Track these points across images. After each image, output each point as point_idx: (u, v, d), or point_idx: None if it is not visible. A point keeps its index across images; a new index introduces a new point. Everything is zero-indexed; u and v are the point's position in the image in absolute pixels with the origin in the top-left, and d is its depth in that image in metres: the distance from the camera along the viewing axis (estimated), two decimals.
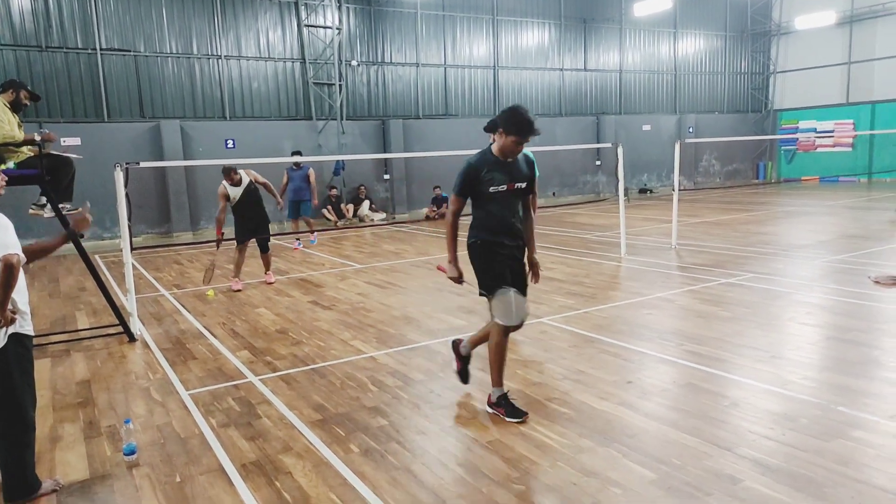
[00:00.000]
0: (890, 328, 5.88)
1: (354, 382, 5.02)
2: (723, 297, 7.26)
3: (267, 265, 9.39)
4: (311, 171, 12.54)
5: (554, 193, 21.58)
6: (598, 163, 22.40)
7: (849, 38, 24.24)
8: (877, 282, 7.52)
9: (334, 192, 17.21)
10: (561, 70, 21.91)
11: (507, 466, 3.57)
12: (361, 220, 17.53)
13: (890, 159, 22.65)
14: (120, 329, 6.60)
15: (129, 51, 15.27)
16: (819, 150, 25.33)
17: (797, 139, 25.71)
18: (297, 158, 11.99)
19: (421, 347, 5.87)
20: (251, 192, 8.78)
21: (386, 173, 18.45)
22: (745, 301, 7.08)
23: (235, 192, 8.70)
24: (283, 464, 3.72)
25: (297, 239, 12.92)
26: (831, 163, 24.61)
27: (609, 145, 11.61)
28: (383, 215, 18.17)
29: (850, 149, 24.43)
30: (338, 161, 17.20)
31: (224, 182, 8.68)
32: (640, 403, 4.38)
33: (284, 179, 12.38)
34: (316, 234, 13.24)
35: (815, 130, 25.23)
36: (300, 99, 17.55)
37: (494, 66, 20.54)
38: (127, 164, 6.56)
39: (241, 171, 8.83)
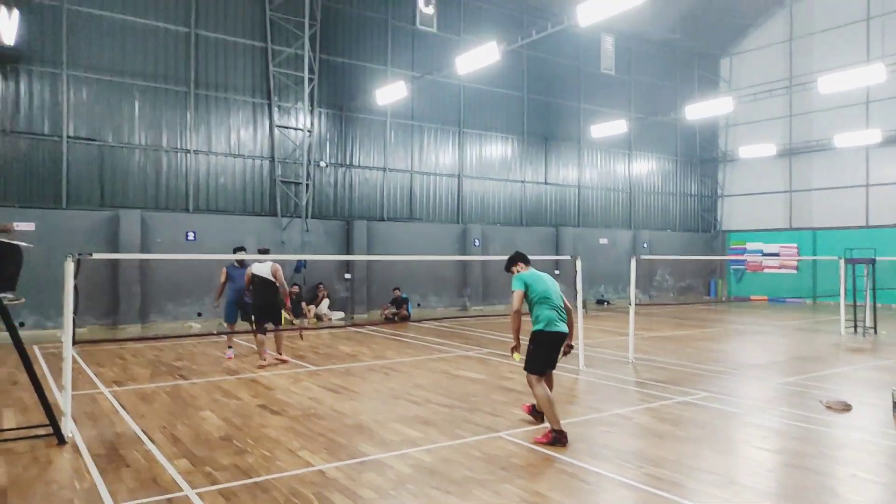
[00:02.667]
0: (842, 455, 5.89)
1: (299, 500, 4.71)
2: (679, 417, 7.22)
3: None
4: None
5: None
6: (556, 272, 22.83)
7: (789, 168, 26.06)
8: (828, 407, 7.61)
9: (295, 289, 16.99)
10: (523, 182, 22.78)
11: None
12: (319, 318, 17.25)
13: (832, 283, 23.71)
14: (49, 430, 6.14)
15: (96, 140, 15.32)
16: (766, 271, 26.45)
17: (745, 260, 26.87)
18: (240, 256, 10.48)
19: (373, 461, 5.60)
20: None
21: (347, 273, 18.41)
22: (701, 421, 7.05)
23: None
24: None
25: (230, 346, 11.08)
26: (778, 283, 25.65)
27: (568, 257, 11.89)
28: (342, 315, 17.93)
29: (795, 271, 25.59)
30: (300, 259, 17.13)
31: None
32: None
33: (223, 278, 10.75)
34: (233, 349, 11.09)
35: (761, 252, 26.46)
36: (266, 196, 17.70)
37: (459, 175, 21.25)
38: (79, 255, 6.38)
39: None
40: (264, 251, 10.90)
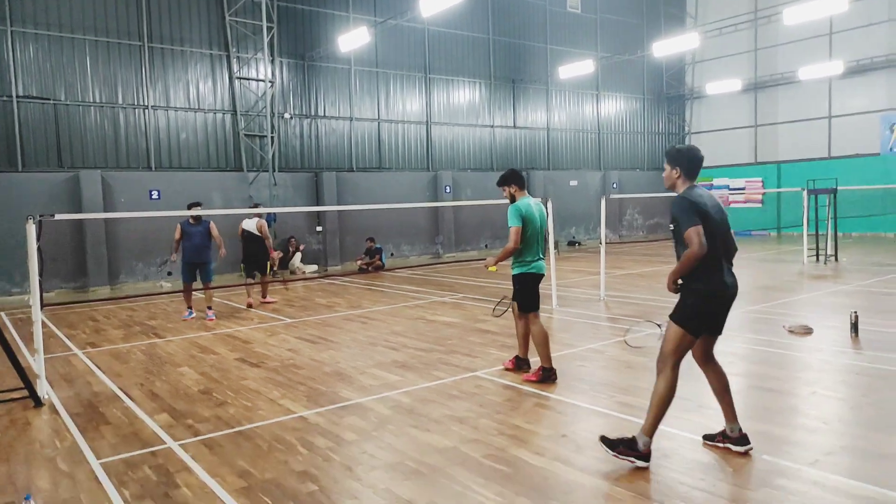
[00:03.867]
0: (805, 376, 6.17)
1: (283, 445, 4.80)
2: (650, 348, 7.43)
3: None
4: (213, 225, 10.44)
5: (486, 246, 21.90)
6: None
7: (754, 103, 26.25)
8: (791, 331, 7.92)
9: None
10: (492, 127, 22.61)
11: None
12: (292, 272, 17.19)
13: (796, 214, 24.30)
14: (25, 393, 6.11)
15: (49, 99, 14.72)
16: (732, 205, 26.92)
17: None
18: (195, 211, 10.00)
19: (353, 405, 5.70)
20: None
21: (319, 225, 18.27)
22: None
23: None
24: None
25: (190, 308, 10.68)
26: (744, 217, 26.17)
27: (538, 199, 11.93)
28: (315, 267, 17.88)
29: (760, 205, 26.11)
30: (269, 213, 16.91)
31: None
32: (574, 458, 4.37)
33: (177, 234, 10.30)
34: (213, 309, 10.65)
35: (727, 188, 26.87)
36: (231, 150, 17.31)
37: (427, 122, 20.98)
38: (41, 216, 6.22)
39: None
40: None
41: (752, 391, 5.79)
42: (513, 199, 6.23)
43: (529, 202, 6.23)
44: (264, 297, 12.07)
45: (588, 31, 25.18)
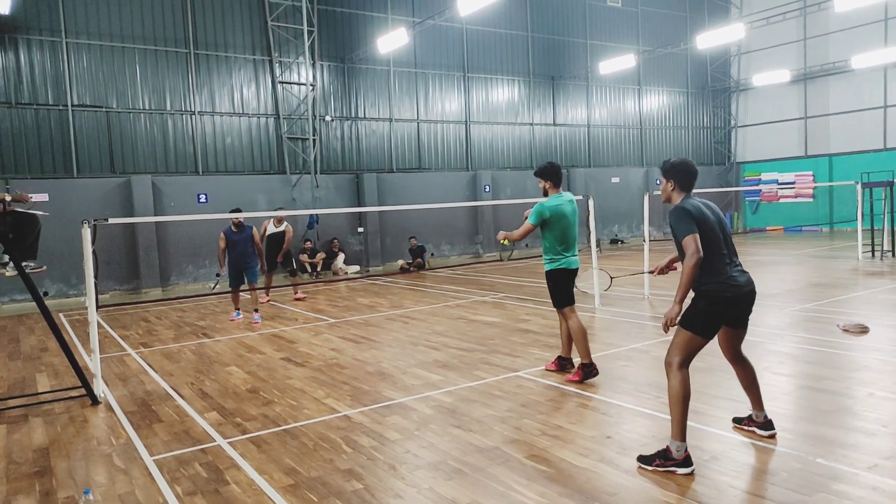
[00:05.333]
0: (860, 376, 5.94)
1: (328, 443, 4.87)
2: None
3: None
4: (255, 231, 10.78)
5: (527, 245, 21.77)
6: None
7: (804, 95, 25.40)
8: (845, 330, 7.64)
9: (309, 244, 17.12)
10: (531, 125, 22.46)
11: None
12: (335, 273, 17.42)
13: (849, 209, 23.42)
14: (83, 391, 6.35)
15: (101, 107, 15.27)
16: (782, 201, 26.13)
17: (760, 191, 26.52)
18: (237, 215, 9.83)
19: (396, 405, 5.74)
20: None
21: (360, 226, 18.47)
22: (718, 351, 7.08)
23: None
24: None
25: (237, 309, 10.94)
26: (794, 213, 25.37)
27: (580, 197, 11.78)
28: (357, 268, 18.09)
29: (811, 199, 25.25)
30: (312, 215, 17.20)
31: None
32: (619, 459, 4.31)
33: (223, 244, 10.46)
34: (259, 313, 10.64)
35: (776, 182, 26.07)
36: (274, 153, 17.64)
37: (466, 121, 20.98)
38: (95, 220, 6.45)
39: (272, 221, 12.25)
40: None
41: (806, 392, 5.61)
42: (545, 194, 6.23)
43: (559, 200, 6.13)
44: (296, 291, 13.01)
45: (629, 24, 24.77)
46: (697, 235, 4.00)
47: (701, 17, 26.43)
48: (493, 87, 21.58)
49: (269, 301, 12.63)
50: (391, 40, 17.01)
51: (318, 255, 17.08)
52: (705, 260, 4.00)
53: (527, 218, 6.17)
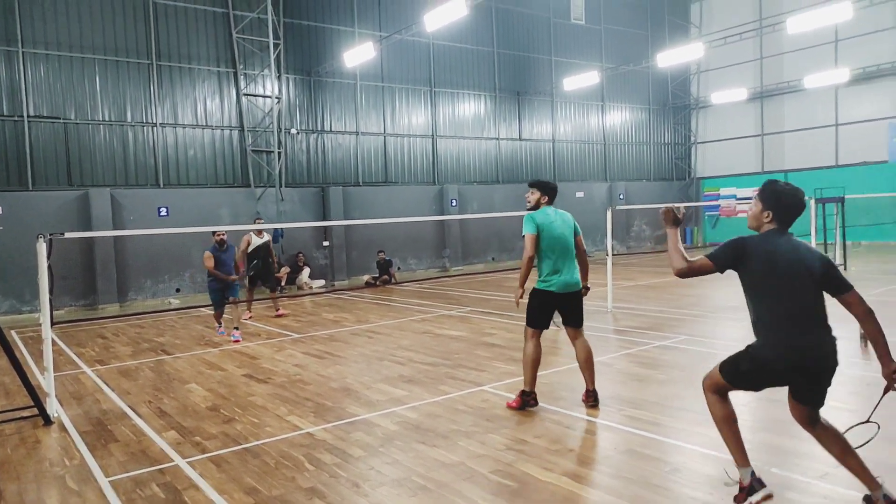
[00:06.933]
0: None
1: (290, 461, 4.79)
2: (658, 360, 7.41)
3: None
4: (236, 248, 10.88)
5: (493, 259, 21.90)
6: None
7: (760, 112, 26.22)
8: None
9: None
10: (497, 139, 22.68)
11: None
12: (300, 288, 17.24)
13: (803, 224, 24.18)
14: (35, 411, 6.13)
15: (59, 118, 14.90)
16: (740, 215, 26.82)
17: (720, 206, 27.21)
18: (219, 228, 10.11)
19: (360, 421, 5.69)
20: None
21: (325, 240, 18.33)
22: (680, 364, 7.24)
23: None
24: None
25: (220, 323, 10.58)
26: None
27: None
28: (322, 283, 17.93)
29: None
30: (277, 229, 17.01)
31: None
32: (583, 472, 4.34)
33: (212, 263, 10.04)
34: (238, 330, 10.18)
35: (735, 197, 26.78)
36: (238, 166, 17.43)
37: (433, 135, 21.08)
38: (51, 234, 6.28)
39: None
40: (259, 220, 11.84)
41: (764, 403, 5.74)
42: (535, 208, 5.79)
43: (549, 212, 5.76)
44: (278, 310, 12.44)
45: (592, 42, 25.28)
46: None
47: (662, 35, 27.13)
48: (459, 102, 21.75)
49: (251, 318, 12.13)
50: (358, 54, 17.03)
51: (283, 269, 16.87)
52: None
53: (518, 297, 5.74)
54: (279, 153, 17.38)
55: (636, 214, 26.08)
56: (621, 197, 25.51)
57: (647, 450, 4.70)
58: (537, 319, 5.75)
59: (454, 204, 20.76)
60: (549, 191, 5.83)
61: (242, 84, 17.35)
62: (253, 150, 17.41)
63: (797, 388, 3.58)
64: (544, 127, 24.07)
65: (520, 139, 23.33)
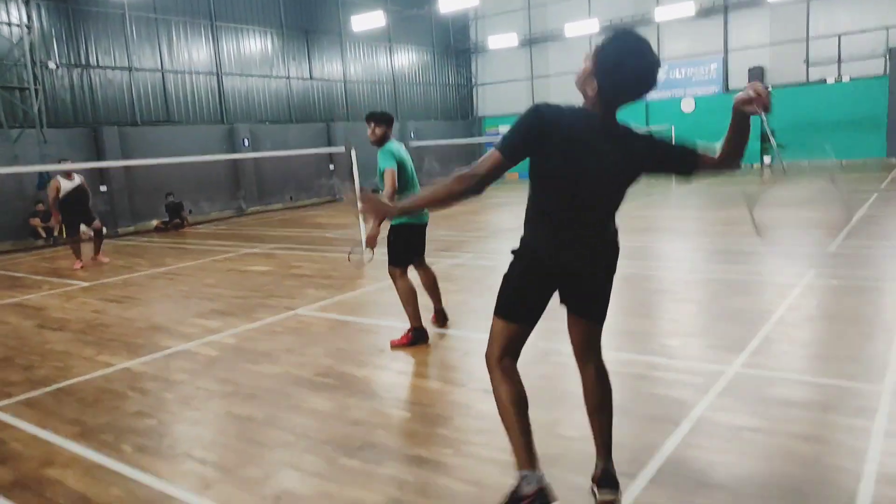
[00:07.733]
0: None
1: (110, 394, 4.88)
2: (450, 275, 8.43)
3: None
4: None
5: (291, 198, 21.80)
6: (331, 167, 23.19)
7: (530, 57, 28.76)
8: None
9: (41, 207, 15.19)
10: (287, 78, 22.20)
11: (285, 433, 3.96)
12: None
13: None
14: None
15: None
16: None
17: None
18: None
19: (179, 352, 5.85)
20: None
21: (103, 184, 16.81)
22: (469, 277, 8.34)
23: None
24: (48, 476, 3.60)
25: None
26: (524, 162, 28.93)
27: (342, 149, 12.36)
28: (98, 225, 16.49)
29: None
30: (42, 173, 15.22)
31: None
32: (392, 364, 5.10)
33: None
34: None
35: None
36: None
37: (218, 73, 20.03)
38: None
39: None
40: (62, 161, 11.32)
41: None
42: (381, 142, 5.58)
43: (400, 146, 5.63)
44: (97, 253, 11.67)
45: None
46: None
47: None
48: (244, 38, 20.79)
49: (83, 267, 10.96)
50: None
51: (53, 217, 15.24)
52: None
53: (382, 175, 5.51)
54: (36, 90, 15.37)
55: (426, 151, 27.43)
56: (413, 135, 26.62)
57: (444, 342, 5.59)
58: (401, 256, 5.63)
59: (246, 144, 20.14)
60: (387, 121, 5.55)
61: None
62: (2, 87, 15.17)
63: (573, 295, 2.87)
64: (335, 67, 24.02)
65: (311, 78, 23.07)
